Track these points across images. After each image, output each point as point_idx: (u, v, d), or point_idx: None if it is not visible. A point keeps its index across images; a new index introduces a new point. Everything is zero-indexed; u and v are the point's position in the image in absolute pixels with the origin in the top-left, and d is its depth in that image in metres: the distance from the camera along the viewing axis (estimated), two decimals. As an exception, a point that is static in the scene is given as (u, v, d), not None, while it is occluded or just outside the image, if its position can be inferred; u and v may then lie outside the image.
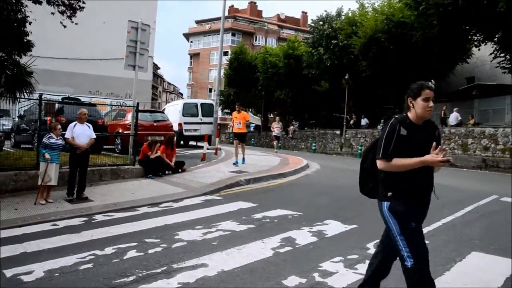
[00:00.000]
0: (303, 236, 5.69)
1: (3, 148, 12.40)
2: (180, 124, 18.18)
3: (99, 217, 7.18)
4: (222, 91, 44.04)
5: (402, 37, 21.33)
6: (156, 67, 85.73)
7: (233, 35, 59.15)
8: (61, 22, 11.66)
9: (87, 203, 8.23)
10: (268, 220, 6.67)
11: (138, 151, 11.31)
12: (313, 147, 26.74)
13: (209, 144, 18.98)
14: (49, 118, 11.44)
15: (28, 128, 13.37)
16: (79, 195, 8.58)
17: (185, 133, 18.31)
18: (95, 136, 8.86)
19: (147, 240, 5.59)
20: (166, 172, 11.28)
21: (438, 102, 23.66)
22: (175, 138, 16.93)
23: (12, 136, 14.15)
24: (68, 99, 29.51)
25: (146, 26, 11.48)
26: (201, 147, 18.68)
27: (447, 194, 9.38)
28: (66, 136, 8.53)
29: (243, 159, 12.84)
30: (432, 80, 25.95)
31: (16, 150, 12.79)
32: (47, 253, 5.05)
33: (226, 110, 46.37)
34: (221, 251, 5.05)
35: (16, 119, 14.45)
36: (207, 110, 18.92)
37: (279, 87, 34.60)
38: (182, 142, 18.99)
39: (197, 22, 66.01)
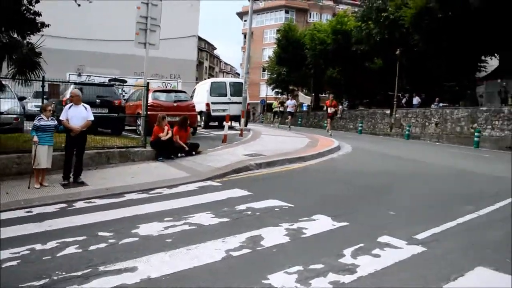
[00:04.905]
0: (274, 235, 4.84)
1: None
2: (207, 104, 17.53)
3: (79, 204, 6.74)
4: (272, 70, 43.24)
5: (459, 4, 19.01)
6: (212, 47, 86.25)
7: (286, 12, 57.53)
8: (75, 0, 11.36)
9: (80, 188, 7.87)
10: (249, 212, 5.86)
11: (151, 132, 10.85)
12: (360, 128, 25.16)
13: (246, 125, 18.35)
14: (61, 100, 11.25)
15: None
16: (75, 179, 8.25)
17: (213, 114, 17.61)
18: (92, 118, 8.42)
19: (100, 233, 5.01)
20: (179, 154, 10.73)
21: (499, 78, 21.25)
22: (198, 117, 16.37)
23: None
24: (115, 80, 30.02)
25: (158, 1, 10.85)
26: (233, 128, 18.08)
27: (483, 185, 8.06)
28: (61, 117, 8.25)
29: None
30: (496, 54, 23.37)
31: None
32: (-13, 246, 4.63)
33: (277, 90, 45.38)
34: (166, 252, 4.34)
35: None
36: (237, 89, 18.11)
37: (328, 65, 33.05)
38: (210, 123, 18.33)
39: (251, 0, 64.97)
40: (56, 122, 8.24)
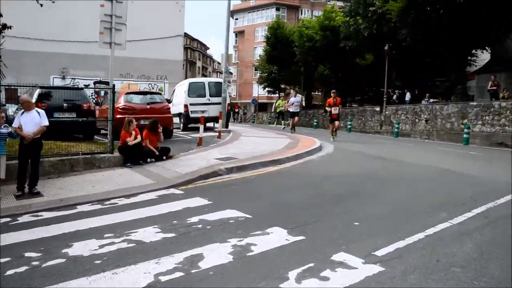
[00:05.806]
0: (217, 254, 4.34)
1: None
2: (185, 106, 17.00)
3: (23, 219, 6.23)
4: (263, 69, 42.74)
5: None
6: (205, 47, 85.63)
7: (277, 9, 56.98)
8: (37, 1, 10.86)
9: (33, 199, 7.37)
10: (200, 226, 5.36)
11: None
12: (349, 126, 24.66)
13: (227, 126, 17.86)
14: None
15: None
16: (30, 190, 7.76)
17: (192, 115, 17.05)
18: (46, 124, 7.91)
19: (27, 254, 4.51)
20: (149, 160, 10.23)
21: (490, 72, 20.80)
22: (176, 119, 15.65)
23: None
24: (100, 83, 29.40)
25: (123, -1, 10.33)
26: (214, 129, 17.55)
27: (462, 188, 7.58)
28: (13, 125, 7.80)
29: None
30: (487, 48, 22.92)
31: None
32: None
33: (268, 89, 44.83)
34: (88, 277, 3.85)
35: None
36: (217, 89, 17.54)
37: (318, 62, 32.56)
38: (190, 125, 17.71)
39: (242, -2, 64.51)
40: (9, 130, 7.78)
